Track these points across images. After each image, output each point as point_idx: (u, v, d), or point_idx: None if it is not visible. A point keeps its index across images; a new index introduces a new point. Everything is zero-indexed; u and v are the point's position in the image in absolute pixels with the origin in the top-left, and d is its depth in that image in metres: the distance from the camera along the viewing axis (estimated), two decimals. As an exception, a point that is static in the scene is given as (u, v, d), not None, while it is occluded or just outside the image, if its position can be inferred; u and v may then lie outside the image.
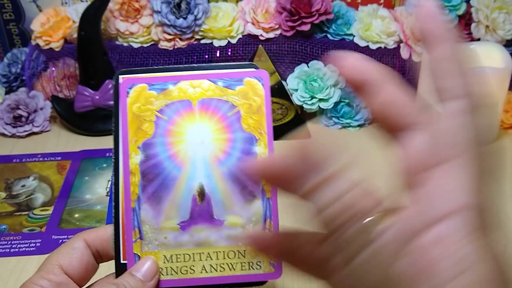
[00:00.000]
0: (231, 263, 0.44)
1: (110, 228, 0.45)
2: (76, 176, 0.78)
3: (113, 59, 0.90)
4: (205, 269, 0.44)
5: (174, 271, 0.44)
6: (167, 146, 0.44)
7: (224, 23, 0.91)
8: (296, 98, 0.87)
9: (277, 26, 0.90)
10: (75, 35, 0.87)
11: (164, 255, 0.44)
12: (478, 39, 0.90)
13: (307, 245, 0.37)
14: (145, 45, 0.93)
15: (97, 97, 0.86)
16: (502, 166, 0.34)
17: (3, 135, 0.88)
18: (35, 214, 0.71)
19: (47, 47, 0.91)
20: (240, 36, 0.92)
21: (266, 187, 0.44)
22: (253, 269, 0.44)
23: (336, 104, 0.88)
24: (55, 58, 0.91)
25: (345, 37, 0.91)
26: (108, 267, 0.45)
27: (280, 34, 0.91)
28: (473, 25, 0.89)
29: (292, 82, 0.88)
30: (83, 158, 0.82)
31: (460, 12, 0.89)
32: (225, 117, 0.45)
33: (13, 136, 0.88)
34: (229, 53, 0.91)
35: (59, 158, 0.82)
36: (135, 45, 0.93)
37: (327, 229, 0.33)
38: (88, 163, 0.81)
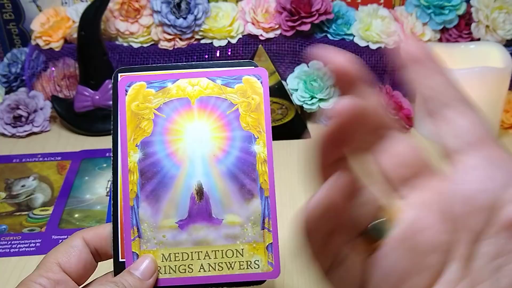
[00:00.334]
0: (229, 262, 0.44)
1: (108, 227, 0.45)
2: (76, 176, 0.78)
3: (113, 59, 0.90)
4: (203, 268, 0.44)
5: (172, 270, 0.44)
6: (166, 144, 0.44)
7: (224, 23, 0.91)
8: (296, 98, 0.87)
9: (277, 26, 0.90)
10: (75, 35, 0.87)
11: (163, 254, 0.44)
12: (478, 39, 0.90)
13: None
14: (145, 45, 0.93)
15: (97, 97, 0.86)
16: None
17: (3, 135, 0.88)
18: (35, 214, 0.71)
19: (47, 47, 0.91)
20: (240, 36, 0.92)
21: (264, 185, 0.44)
22: (252, 268, 0.44)
23: (336, 104, 0.88)
24: (55, 58, 0.91)
25: (345, 37, 0.91)
26: (106, 265, 0.45)
27: (280, 34, 0.91)
28: (473, 25, 0.89)
29: (292, 82, 0.88)
30: (83, 158, 0.82)
31: (460, 12, 0.89)
32: (223, 115, 0.45)
33: (13, 136, 0.88)
34: (229, 53, 0.91)
35: (59, 158, 0.82)
36: (135, 45, 0.93)
37: None
38: (88, 163, 0.81)
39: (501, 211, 0.30)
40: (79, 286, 0.44)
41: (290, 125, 0.85)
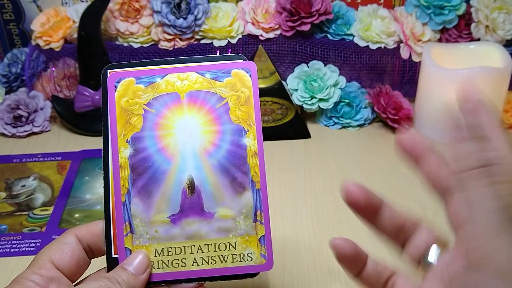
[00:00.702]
0: (222, 256, 0.44)
1: (101, 223, 0.45)
2: (76, 176, 0.78)
3: (113, 59, 0.90)
4: (197, 262, 0.44)
5: (166, 265, 0.44)
6: (156, 139, 0.44)
7: (224, 23, 0.91)
8: (296, 98, 0.87)
9: (277, 26, 0.90)
10: (75, 35, 0.87)
11: (155, 249, 0.44)
12: (478, 39, 0.90)
13: None
14: (145, 45, 0.93)
15: (97, 97, 0.86)
16: None
17: (3, 135, 0.88)
18: (35, 214, 0.71)
19: (47, 47, 0.91)
20: (240, 36, 0.92)
21: (255, 178, 0.44)
22: (244, 261, 0.44)
23: (336, 104, 0.88)
24: (55, 58, 0.92)
25: (345, 37, 0.91)
26: (100, 262, 0.45)
27: (280, 34, 0.91)
28: (473, 25, 0.89)
29: (292, 82, 0.88)
30: (83, 158, 0.82)
31: (460, 12, 0.89)
32: (213, 109, 0.45)
33: (13, 136, 0.88)
34: (229, 53, 0.91)
35: (59, 158, 0.82)
36: (135, 45, 0.93)
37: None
38: (88, 163, 0.81)
39: None
40: (72, 283, 0.44)
41: (290, 125, 0.85)
